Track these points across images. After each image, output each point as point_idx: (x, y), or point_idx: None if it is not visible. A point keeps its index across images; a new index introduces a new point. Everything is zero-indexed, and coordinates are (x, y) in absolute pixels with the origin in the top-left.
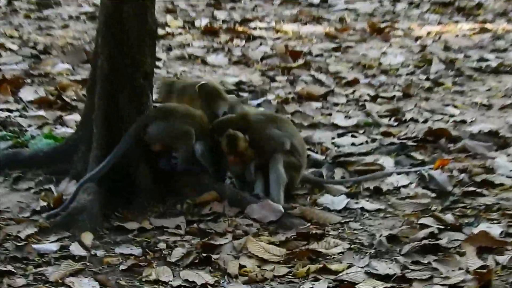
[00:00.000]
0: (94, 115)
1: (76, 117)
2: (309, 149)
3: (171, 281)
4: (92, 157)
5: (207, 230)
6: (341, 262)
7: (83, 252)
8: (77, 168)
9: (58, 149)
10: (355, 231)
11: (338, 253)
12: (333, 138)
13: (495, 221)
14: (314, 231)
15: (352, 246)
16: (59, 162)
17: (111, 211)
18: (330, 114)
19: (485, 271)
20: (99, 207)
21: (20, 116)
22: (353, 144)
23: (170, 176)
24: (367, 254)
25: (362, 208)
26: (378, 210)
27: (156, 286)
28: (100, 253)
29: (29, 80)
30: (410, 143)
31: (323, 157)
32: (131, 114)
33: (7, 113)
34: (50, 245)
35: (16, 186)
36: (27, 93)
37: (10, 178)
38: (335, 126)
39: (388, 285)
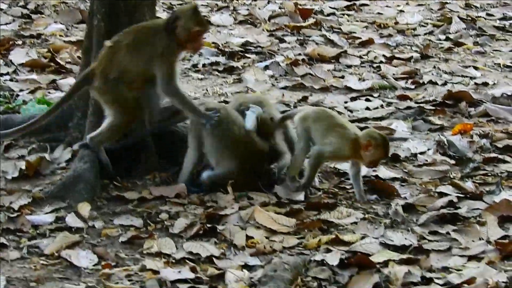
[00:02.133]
0: None
1: (71, 81)
2: None
3: (174, 253)
4: (88, 124)
5: (211, 201)
6: (354, 233)
7: (80, 224)
8: (72, 135)
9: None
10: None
11: (351, 223)
12: (346, 102)
13: None
14: (325, 201)
15: (366, 216)
16: (53, 128)
17: (109, 180)
18: (342, 77)
19: (507, 241)
20: (96, 176)
21: (11, 80)
22: (367, 108)
23: (173, 144)
24: (382, 224)
25: (377, 176)
26: (394, 179)
27: (158, 258)
28: (98, 224)
29: (20, 42)
30: (428, 107)
31: None
32: None
33: None
34: (45, 216)
35: (7, 155)
36: (18, 56)
37: (0, 146)
38: (348, 90)
39: (404, 256)
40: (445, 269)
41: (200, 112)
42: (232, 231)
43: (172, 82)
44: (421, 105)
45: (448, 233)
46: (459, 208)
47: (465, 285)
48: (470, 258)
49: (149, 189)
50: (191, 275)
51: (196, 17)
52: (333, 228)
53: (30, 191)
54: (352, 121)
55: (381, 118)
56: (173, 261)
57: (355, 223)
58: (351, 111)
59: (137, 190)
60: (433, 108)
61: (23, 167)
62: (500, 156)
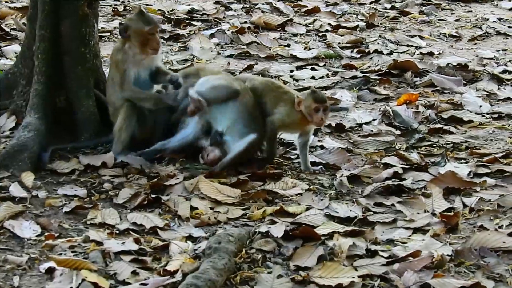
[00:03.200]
0: (35, 46)
1: (16, 48)
2: None
3: (118, 224)
4: (33, 92)
5: (153, 171)
6: (299, 204)
7: (23, 193)
8: (17, 103)
9: None
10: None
11: (296, 195)
12: (291, 71)
13: (463, 161)
14: (271, 171)
15: (311, 187)
16: None
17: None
18: (288, 46)
19: (451, 214)
20: (40, 145)
21: None
22: (313, 77)
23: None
24: (327, 195)
25: (322, 147)
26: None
27: (101, 229)
28: (41, 194)
29: None
30: (373, 76)
31: None
32: (76, 45)
33: None
34: None
35: None
36: None
37: None
38: (294, 58)
39: (349, 228)
40: (390, 242)
41: (161, 100)
42: (177, 201)
43: (123, 87)
44: (367, 74)
45: (393, 204)
46: (404, 179)
47: (410, 258)
48: (415, 230)
49: (78, 159)
50: (135, 247)
51: (143, 18)
52: (278, 199)
53: None
54: (298, 91)
55: (326, 88)
56: (117, 232)
57: (300, 194)
58: (296, 80)
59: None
60: (379, 78)
61: None
62: (445, 127)
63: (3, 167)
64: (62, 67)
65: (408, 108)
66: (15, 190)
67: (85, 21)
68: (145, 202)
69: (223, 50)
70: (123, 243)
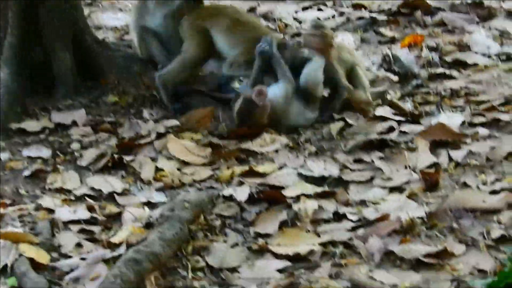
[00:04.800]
0: None
1: None
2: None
3: (75, 189)
4: (6, 46)
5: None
6: (273, 162)
7: None
8: None
9: None
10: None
11: (273, 151)
12: (296, 13)
13: (458, 108)
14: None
15: (291, 143)
16: None
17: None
18: None
19: (432, 170)
20: (10, 101)
21: None
22: (318, 19)
23: (99, 67)
24: (306, 151)
25: None
26: None
27: (58, 195)
28: (4, 156)
29: None
30: (381, 17)
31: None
32: None
33: None
34: None
35: None
36: None
37: None
38: None
39: (319, 189)
40: (363, 203)
41: None
42: (142, 163)
43: None
44: (374, 15)
45: (372, 161)
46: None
47: (379, 222)
48: (392, 189)
49: (49, 117)
50: (86, 215)
51: None
52: (252, 158)
53: None
54: (297, 34)
55: None
56: (73, 198)
57: (276, 151)
58: (300, 22)
59: (37, 117)
60: (387, 18)
61: None
62: (447, 71)
63: None
64: (37, 19)
65: (411, 51)
66: None
67: None
68: (109, 164)
69: None
70: (75, 211)
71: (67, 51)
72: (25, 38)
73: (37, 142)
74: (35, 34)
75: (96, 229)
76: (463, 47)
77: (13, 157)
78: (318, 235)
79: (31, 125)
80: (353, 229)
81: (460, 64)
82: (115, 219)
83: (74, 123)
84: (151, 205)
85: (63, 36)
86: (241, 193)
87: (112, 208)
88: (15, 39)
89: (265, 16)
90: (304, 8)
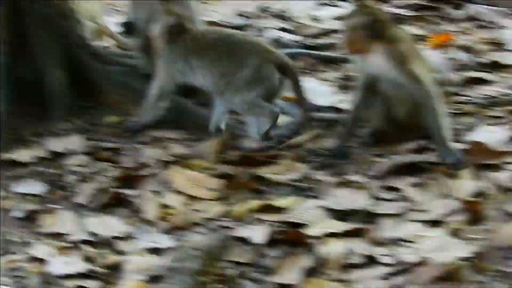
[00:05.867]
0: None
1: None
2: (283, 29)
3: (71, 234)
4: None
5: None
6: (292, 194)
7: None
8: None
9: None
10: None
11: (293, 180)
12: (312, 10)
13: (499, 120)
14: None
15: (310, 169)
16: None
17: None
18: None
19: (475, 199)
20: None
21: None
22: (338, 18)
23: (96, 84)
24: (328, 178)
25: None
26: None
27: (52, 241)
28: None
29: None
30: (407, 13)
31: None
32: (36, 3)
33: None
34: None
35: None
36: None
37: None
38: None
39: (347, 226)
40: (397, 242)
41: None
42: (146, 199)
43: None
44: (400, 10)
45: (404, 189)
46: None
47: (417, 267)
48: (429, 223)
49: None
50: (84, 267)
51: None
52: (268, 188)
53: None
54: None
55: None
56: (69, 245)
57: (295, 180)
58: (316, 20)
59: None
60: (413, 14)
61: None
62: (483, 75)
63: None
64: (24, 33)
65: (441, 52)
66: None
67: None
68: (109, 202)
69: None
70: (70, 262)
71: (59, 68)
72: (13, 55)
73: (30, 175)
74: (25, 49)
75: (94, 285)
76: (498, 44)
77: (5, 195)
78: (349, 285)
79: (22, 154)
80: (388, 275)
81: (495, 66)
82: (116, 270)
83: (70, 151)
84: (156, 251)
85: (54, 50)
86: (258, 234)
87: (112, 257)
88: (2, 57)
89: (279, 16)
90: (323, 4)
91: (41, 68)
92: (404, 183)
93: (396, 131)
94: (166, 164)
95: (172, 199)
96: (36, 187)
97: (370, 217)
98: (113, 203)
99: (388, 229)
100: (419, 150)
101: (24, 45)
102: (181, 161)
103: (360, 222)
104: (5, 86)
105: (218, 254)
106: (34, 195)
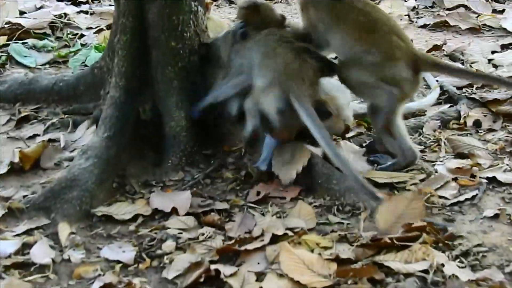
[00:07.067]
0: (115, 38)
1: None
2: None
3: None
4: (108, 100)
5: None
6: None
7: (46, 258)
8: (102, 107)
9: (81, 78)
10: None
11: (421, 271)
12: (493, 53)
13: None
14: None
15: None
16: (82, 97)
17: (118, 183)
18: (502, 11)
19: None
20: (101, 175)
21: (85, 12)
22: None
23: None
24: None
25: None
26: None
27: None
28: (76, 256)
29: None
30: None
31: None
32: (165, 38)
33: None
34: (9, 243)
35: (18, 132)
36: None
37: (16, 117)
38: (505, 31)
39: None
40: None
41: None
42: (244, 280)
43: None
44: None
45: None
46: None
47: None
48: None
49: (147, 198)
50: None
51: None
52: (392, 279)
53: (9, 198)
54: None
55: None
56: None
57: (427, 271)
58: (495, 66)
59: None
60: None
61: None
62: None
63: (43, 209)
64: (148, 67)
65: None
66: (39, 251)
67: (177, 6)
68: (201, 280)
69: (417, 18)
70: None
71: (183, 109)
72: (131, 91)
73: (123, 236)
74: (145, 86)
75: None
76: None
77: (87, 258)
78: None
79: (121, 210)
80: None
81: None
82: None
83: (175, 210)
84: None
85: (179, 90)
86: None
87: None
88: (119, 93)
89: (452, 57)
90: (504, 46)
91: (162, 108)
92: None
93: None
94: (276, 237)
95: (273, 284)
96: (124, 253)
97: None
98: (205, 281)
99: None
100: None
101: (146, 81)
102: (295, 234)
103: None
104: (117, 126)
105: None
106: (120, 262)
